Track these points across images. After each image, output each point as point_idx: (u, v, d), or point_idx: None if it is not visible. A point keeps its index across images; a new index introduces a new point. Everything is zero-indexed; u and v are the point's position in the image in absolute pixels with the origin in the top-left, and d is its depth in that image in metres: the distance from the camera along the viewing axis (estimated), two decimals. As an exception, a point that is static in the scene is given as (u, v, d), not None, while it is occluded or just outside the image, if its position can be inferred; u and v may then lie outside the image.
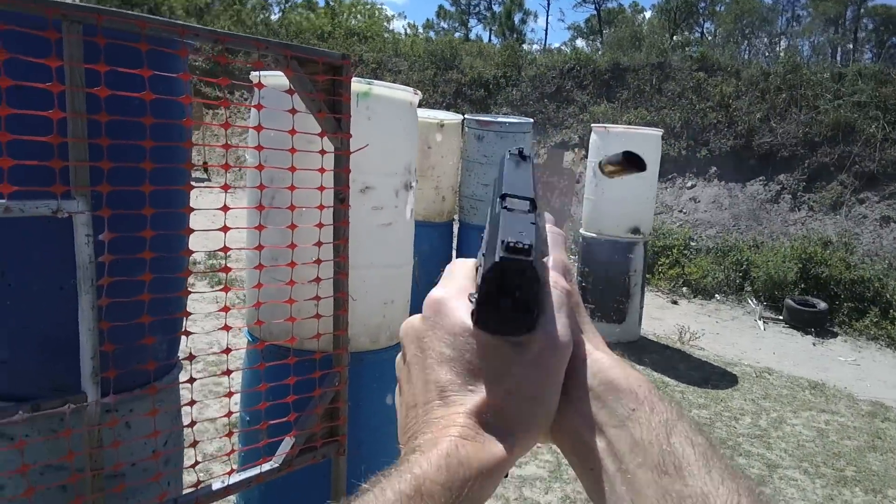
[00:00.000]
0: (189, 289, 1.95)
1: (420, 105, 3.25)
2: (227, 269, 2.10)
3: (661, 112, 14.38)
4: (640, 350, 7.18)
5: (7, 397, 1.70)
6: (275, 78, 2.55)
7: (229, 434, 2.11)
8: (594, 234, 7.33)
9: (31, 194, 1.57)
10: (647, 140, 7.25)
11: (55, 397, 1.59)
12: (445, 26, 46.53)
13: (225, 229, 2.04)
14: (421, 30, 39.00)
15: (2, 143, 1.51)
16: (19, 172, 1.55)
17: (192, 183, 2.04)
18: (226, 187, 2.16)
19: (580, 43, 42.04)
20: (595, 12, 43.30)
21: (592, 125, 7.88)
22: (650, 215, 7.51)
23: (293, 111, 2.33)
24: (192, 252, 1.94)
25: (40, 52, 1.62)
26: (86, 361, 1.62)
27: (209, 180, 11.88)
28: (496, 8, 46.91)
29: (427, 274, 6.61)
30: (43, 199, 1.59)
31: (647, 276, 8.77)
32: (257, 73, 2.53)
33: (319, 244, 2.43)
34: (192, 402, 1.84)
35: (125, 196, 1.75)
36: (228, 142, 2.17)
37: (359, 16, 27.99)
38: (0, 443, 1.64)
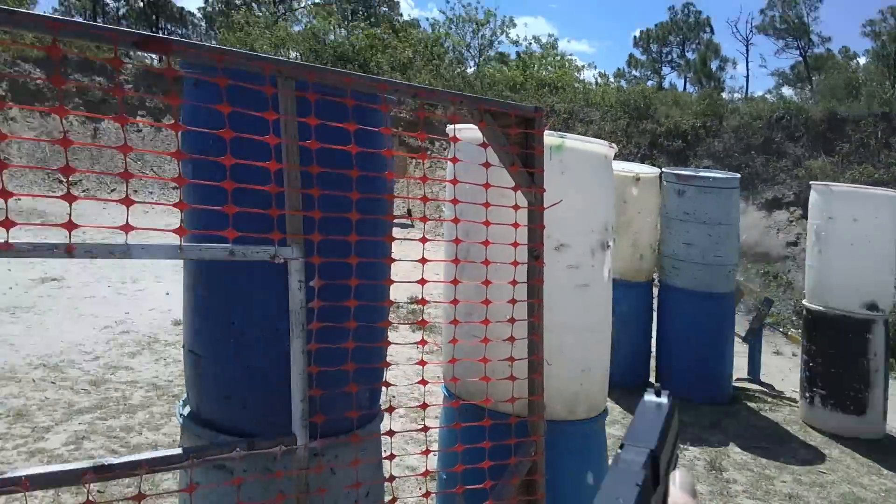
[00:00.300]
0: (392, 333, 2.06)
1: (614, 157, 3.25)
2: (423, 322, 2.19)
3: (892, 169, 13.12)
4: (885, 451, 6.28)
5: (229, 432, 1.88)
6: (470, 131, 2.69)
7: (426, 494, 2.14)
8: (820, 308, 6.70)
9: (251, 240, 1.77)
10: (880, 203, 6.58)
11: (271, 437, 1.73)
12: (637, 74, 46.49)
13: (423, 282, 2.15)
14: (612, 79, 39.23)
15: (228, 191, 1.74)
16: (241, 220, 1.76)
17: (396, 232, 2.19)
18: (423, 240, 2.28)
19: (787, 91, 39.81)
20: (801, 58, 41.14)
21: (811, 182, 7.35)
22: (890, 290, 6.73)
23: (487, 165, 2.43)
24: (394, 302, 2.05)
25: (258, 107, 1.85)
26: (296, 404, 1.75)
27: (413, 226, 12.52)
28: (690, 55, 46.36)
29: (627, 338, 6.32)
30: (262, 245, 1.79)
31: (892, 360, 7.78)
32: (453, 126, 2.70)
33: (514, 302, 2.46)
34: (391, 456, 1.90)
35: (334, 245, 1.92)
36: (428, 193, 2.30)
37: (549, 67, 29.10)
38: (220, 475, 1.82)
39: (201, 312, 2.04)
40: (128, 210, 1.62)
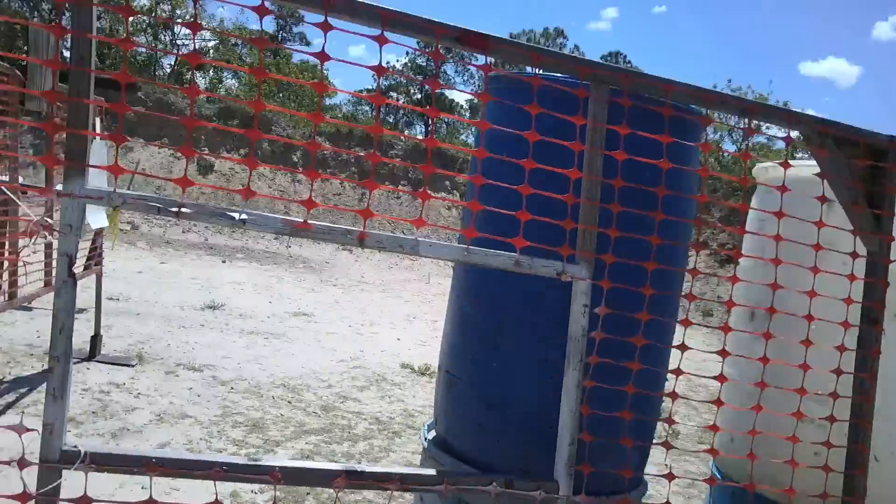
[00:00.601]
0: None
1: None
2: (723, 379, 1.79)
3: None
4: None
5: (475, 465, 1.67)
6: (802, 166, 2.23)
7: None
8: None
9: (537, 251, 1.55)
10: None
11: (522, 477, 1.47)
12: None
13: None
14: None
15: (522, 196, 1.54)
16: (529, 230, 1.54)
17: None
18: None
19: None
20: None
21: None
22: None
23: (822, 199, 1.98)
24: (687, 348, 1.69)
25: (567, 110, 1.64)
26: (563, 447, 1.47)
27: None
28: None
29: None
30: (549, 258, 1.55)
31: None
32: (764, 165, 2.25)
33: (839, 373, 1.95)
34: (662, 535, 1.55)
35: (627, 269, 1.62)
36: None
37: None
38: (460, 511, 1.60)
39: (464, 330, 1.86)
40: (421, 205, 1.50)
